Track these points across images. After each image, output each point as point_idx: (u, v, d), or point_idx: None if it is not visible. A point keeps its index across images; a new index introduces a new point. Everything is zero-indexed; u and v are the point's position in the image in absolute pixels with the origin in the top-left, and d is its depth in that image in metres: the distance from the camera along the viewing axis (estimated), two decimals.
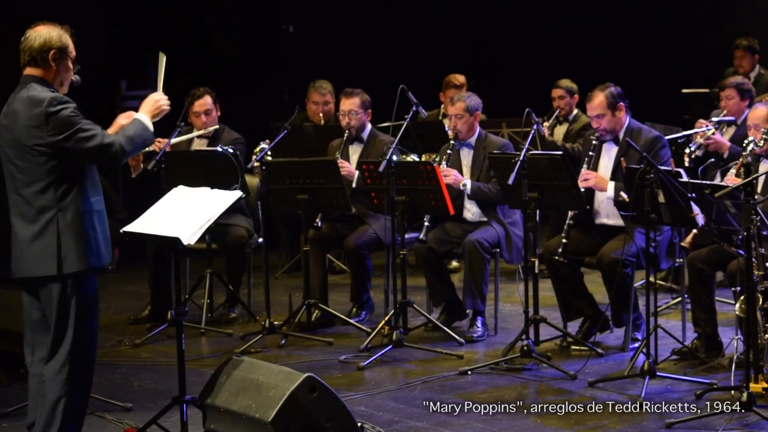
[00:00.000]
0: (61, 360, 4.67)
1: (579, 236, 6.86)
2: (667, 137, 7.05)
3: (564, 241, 6.75)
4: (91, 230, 4.65)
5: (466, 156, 7.44)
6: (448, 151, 7.37)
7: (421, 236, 7.25)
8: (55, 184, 4.60)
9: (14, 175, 4.67)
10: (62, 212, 4.61)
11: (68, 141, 4.54)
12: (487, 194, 7.24)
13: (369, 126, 7.91)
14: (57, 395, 4.65)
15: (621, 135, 6.78)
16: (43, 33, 4.66)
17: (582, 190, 6.67)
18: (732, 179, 6.14)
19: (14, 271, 4.77)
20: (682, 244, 6.53)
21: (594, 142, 6.84)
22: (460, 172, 7.36)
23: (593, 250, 6.77)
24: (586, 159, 6.85)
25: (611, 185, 6.69)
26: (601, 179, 6.74)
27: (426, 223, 7.28)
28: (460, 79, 9.72)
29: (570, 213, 6.88)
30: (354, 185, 7.61)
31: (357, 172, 7.58)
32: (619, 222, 6.66)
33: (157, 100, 4.84)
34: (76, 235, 4.62)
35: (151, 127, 4.76)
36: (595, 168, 6.84)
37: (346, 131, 7.81)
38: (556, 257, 6.71)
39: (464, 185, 7.26)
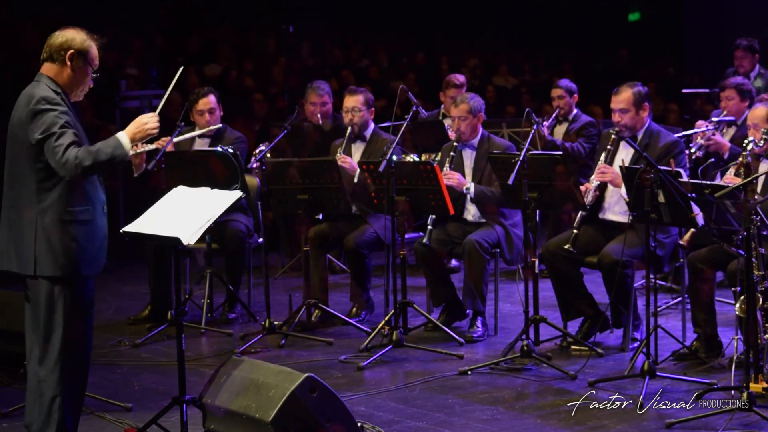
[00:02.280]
0: (53, 359, 4.69)
1: (582, 233, 6.84)
2: None
3: (575, 231, 6.72)
4: (69, 240, 4.65)
5: (469, 157, 7.43)
6: (451, 153, 7.36)
7: (425, 240, 7.24)
8: (39, 185, 4.63)
9: (9, 169, 4.72)
10: (42, 214, 4.63)
11: (40, 144, 4.57)
12: (490, 198, 7.23)
13: (372, 125, 7.92)
14: (52, 394, 4.68)
15: (640, 135, 6.76)
16: (68, 33, 4.71)
17: (597, 183, 6.67)
18: (731, 179, 6.14)
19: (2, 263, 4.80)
20: (680, 242, 6.52)
21: (613, 136, 6.83)
22: (462, 173, 7.36)
23: (595, 248, 6.76)
24: (604, 153, 6.83)
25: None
26: (617, 175, 6.71)
27: (429, 227, 7.27)
28: (460, 78, 9.72)
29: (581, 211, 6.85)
30: (356, 180, 7.61)
31: (358, 168, 7.58)
32: (625, 218, 6.64)
33: (144, 124, 4.77)
34: (51, 241, 4.63)
35: (126, 146, 4.68)
36: (611, 163, 6.83)
37: (349, 128, 7.82)
38: (567, 246, 6.68)
39: (467, 189, 7.26)
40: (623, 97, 6.78)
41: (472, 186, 7.26)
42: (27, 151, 4.62)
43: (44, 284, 4.67)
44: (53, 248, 4.63)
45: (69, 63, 4.68)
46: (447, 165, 7.29)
